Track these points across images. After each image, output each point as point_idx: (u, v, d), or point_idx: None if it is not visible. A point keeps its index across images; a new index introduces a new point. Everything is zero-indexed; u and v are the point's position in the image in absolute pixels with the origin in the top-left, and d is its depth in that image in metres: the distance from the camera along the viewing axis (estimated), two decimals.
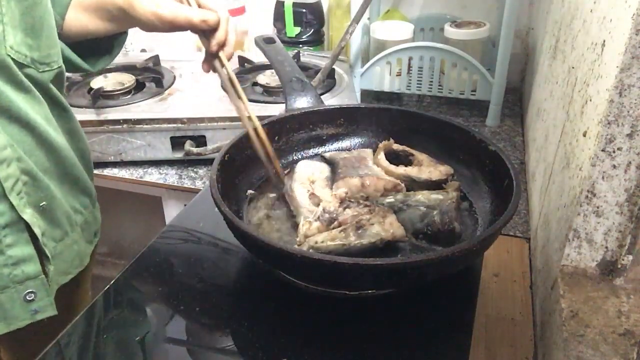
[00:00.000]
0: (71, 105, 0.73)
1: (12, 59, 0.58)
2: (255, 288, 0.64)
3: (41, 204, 0.63)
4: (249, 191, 0.73)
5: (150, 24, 0.68)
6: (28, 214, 0.61)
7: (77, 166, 0.71)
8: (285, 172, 0.75)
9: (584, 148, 0.54)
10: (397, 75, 1.19)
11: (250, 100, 1.04)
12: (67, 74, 0.72)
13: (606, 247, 0.55)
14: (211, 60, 0.71)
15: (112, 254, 1.52)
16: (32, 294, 0.63)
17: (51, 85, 0.66)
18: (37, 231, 0.62)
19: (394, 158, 0.75)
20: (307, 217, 0.64)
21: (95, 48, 0.77)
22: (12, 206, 0.59)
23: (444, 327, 0.59)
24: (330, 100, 1.05)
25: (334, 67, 1.11)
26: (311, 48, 1.38)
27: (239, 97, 0.70)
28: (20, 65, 0.60)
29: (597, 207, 0.53)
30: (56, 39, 0.66)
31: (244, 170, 0.73)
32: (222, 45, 0.70)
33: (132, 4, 0.67)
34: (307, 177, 0.71)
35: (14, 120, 0.59)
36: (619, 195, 0.52)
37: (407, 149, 0.76)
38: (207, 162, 1.04)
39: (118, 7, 0.69)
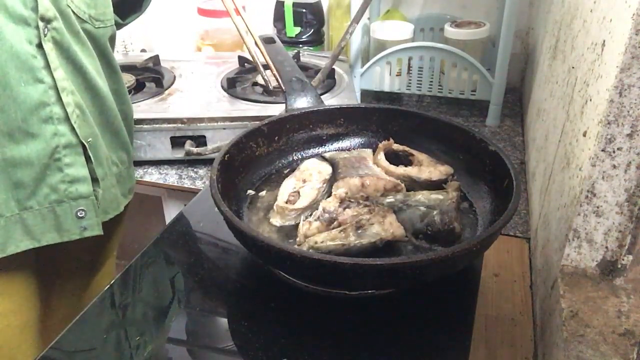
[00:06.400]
0: None
1: (73, 12, 0.66)
2: (255, 288, 0.64)
3: (89, 140, 0.69)
4: (249, 191, 0.73)
5: None
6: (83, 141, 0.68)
7: (118, 120, 0.77)
8: (286, 171, 0.75)
9: (584, 148, 0.54)
10: (397, 75, 1.19)
11: (251, 100, 1.04)
12: None
13: (606, 247, 0.55)
14: None
15: None
16: (83, 212, 0.69)
17: (106, 43, 0.73)
18: (92, 155, 0.69)
19: (394, 158, 0.75)
20: (278, 207, 0.67)
21: (127, 4, 0.85)
22: (72, 129, 0.66)
23: (444, 327, 0.59)
24: (330, 100, 1.05)
25: (334, 67, 1.11)
26: (311, 48, 1.38)
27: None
28: (80, 21, 0.68)
29: (597, 207, 0.53)
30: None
31: (244, 170, 0.73)
32: None
33: None
34: (306, 175, 0.71)
35: (70, 61, 0.66)
36: (619, 195, 0.52)
37: (407, 149, 0.76)
38: (207, 162, 1.04)
39: None
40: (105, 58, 0.74)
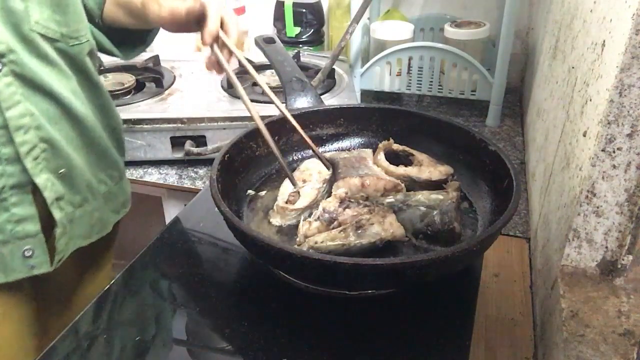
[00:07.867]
0: None
1: (41, 34, 0.62)
2: (255, 288, 0.64)
3: (60, 171, 0.67)
4: (249, 191, 0.73)
5: (158, 21, 0.70)
6: (42, 179, 0.65)
7: (103, 139, 0.74)
8: None
9: (584, 148, 0.54)
10: (397, 75, 1.19)
11: (251, 100, 1.04)
12: None
13: (606, 247, 0.55)
14: (213, 57, 0.72)
15: None
16: (31, 251, 0.67)
17: (84, 60, 0.69)
18: (48, 195, 0.66)
19: (394, 158, 0.75)
20: (278, 207, 0.67)
21: (131, 37, 0.83)
22: (24, 170, 0.63)
23: (444, 327, 0.59)
24: (330, 100, 1.05)
25: (334, 67, 1.11)
26: (311, 48, 1.38)
27: (240, 97, 0.72)
28: (51, 40, 0.63)
29: (597, 207, 0.53)
30: (83, 14, 0.70)
31: (244, 170, 0.73)
32: (215, 38, 0.70)
33: (145, 4, 0.70)
34: (306, 175, 0.71)
35: (38, 90, 0.62)
36: (619, 195, 0.52)
37: (407, 149, 0.76)
38: (207, 162, 1.04)
39: (138, 5, 0.72)
40: (83, 74, 0.70)
